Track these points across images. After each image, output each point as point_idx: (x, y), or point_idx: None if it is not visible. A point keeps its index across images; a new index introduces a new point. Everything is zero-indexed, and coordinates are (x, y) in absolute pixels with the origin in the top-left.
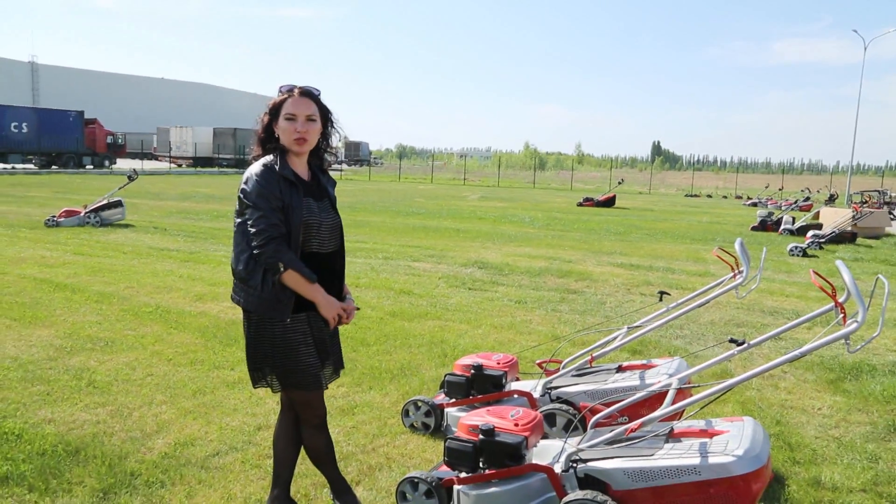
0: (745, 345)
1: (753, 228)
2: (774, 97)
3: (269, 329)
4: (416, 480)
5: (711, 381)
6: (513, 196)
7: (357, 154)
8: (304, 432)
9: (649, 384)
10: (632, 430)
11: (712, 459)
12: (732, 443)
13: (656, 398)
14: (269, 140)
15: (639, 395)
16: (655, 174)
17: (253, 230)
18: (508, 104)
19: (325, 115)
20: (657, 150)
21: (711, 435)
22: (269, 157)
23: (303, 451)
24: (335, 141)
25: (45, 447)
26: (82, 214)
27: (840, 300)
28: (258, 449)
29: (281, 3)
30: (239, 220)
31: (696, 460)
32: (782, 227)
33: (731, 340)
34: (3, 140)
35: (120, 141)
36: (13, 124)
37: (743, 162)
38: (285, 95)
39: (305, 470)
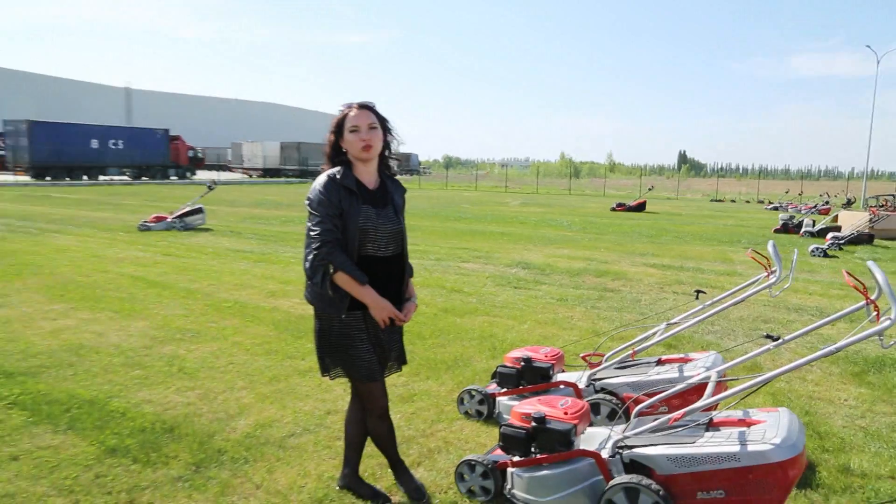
0: (780, 340)
1: (776, 231)
2: (793, 108)
3: (327, 323)
4: (473, 462)
5: (746, 375)
6: (550, 202)
7: (408, 164)
8: (368, 420)
9: (688, 376)
10: (675, 420)
11: (751, 447)
12: (770, 432)
13: (694, 390)
14: (336, 155)
15: (680, 385)
16: (682, 181)
17: (311, 234)
18: (545, 117)
19: (384, 124)
20: (683, 158)
21: (749, 424)
22: (335, 169)
23: None
24: (395, 146)
25: (145, 425)
26: (169, 220)
27: (872, 298)
28: (328, 431)
29: (337, 29)
30: (308, 223)
31: (736, 448)
32: (803, 229)
33: (767, 336)
34: (103, 155)
35: (199, 155)
36: (111, 141)
37: (763, 169)
38: (346, 111)
39: (372, 451)
